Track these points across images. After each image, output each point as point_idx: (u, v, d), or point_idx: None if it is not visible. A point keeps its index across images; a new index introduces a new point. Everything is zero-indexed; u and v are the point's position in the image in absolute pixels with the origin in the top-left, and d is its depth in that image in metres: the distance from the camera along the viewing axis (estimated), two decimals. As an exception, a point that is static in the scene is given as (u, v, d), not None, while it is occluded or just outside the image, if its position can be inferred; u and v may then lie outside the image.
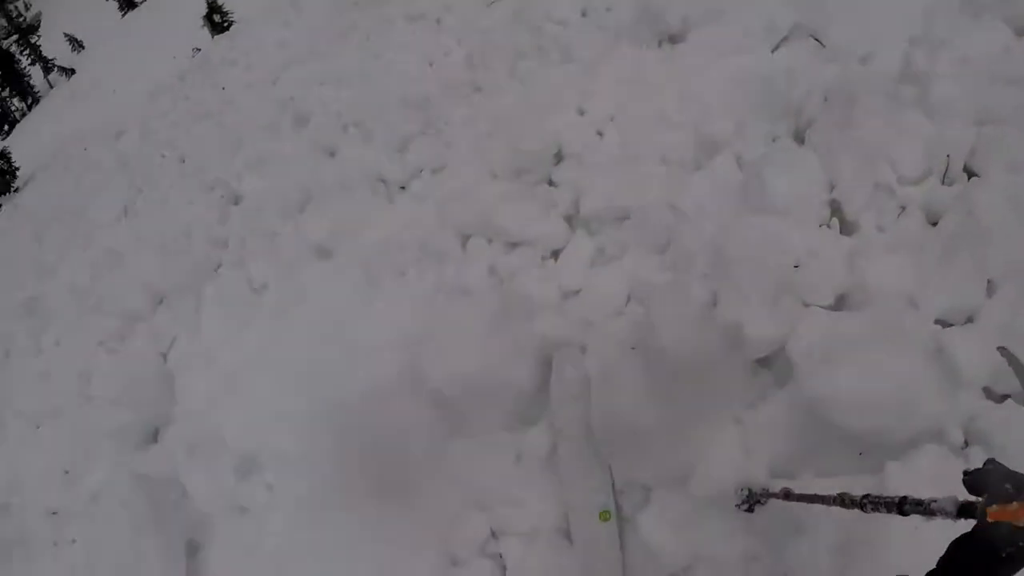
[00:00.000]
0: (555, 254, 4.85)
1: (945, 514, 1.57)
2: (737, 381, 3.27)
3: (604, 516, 3.60)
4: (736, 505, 3.07)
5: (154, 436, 6.55)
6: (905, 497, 1.75)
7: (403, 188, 6.80)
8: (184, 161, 12.20)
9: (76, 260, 12.13)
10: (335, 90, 9.81)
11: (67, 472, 7.50)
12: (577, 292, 4.44)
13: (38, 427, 9.03)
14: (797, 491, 2.63)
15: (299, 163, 8.31)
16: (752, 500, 3.00)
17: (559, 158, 5.42)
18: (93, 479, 6.70)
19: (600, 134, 5.34)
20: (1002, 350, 2.01)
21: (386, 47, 10.13)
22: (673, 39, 5.75)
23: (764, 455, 3.11)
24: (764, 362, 3.29)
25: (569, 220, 4.89)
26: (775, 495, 2.77)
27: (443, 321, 4.34)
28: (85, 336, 9.12)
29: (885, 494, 1.89)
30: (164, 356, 7.42)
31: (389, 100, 8.07)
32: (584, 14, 7.37)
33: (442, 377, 4.12)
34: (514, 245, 4.97)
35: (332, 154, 8.14)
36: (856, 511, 2.04)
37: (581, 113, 5.57)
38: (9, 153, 26.43)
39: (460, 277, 5.06)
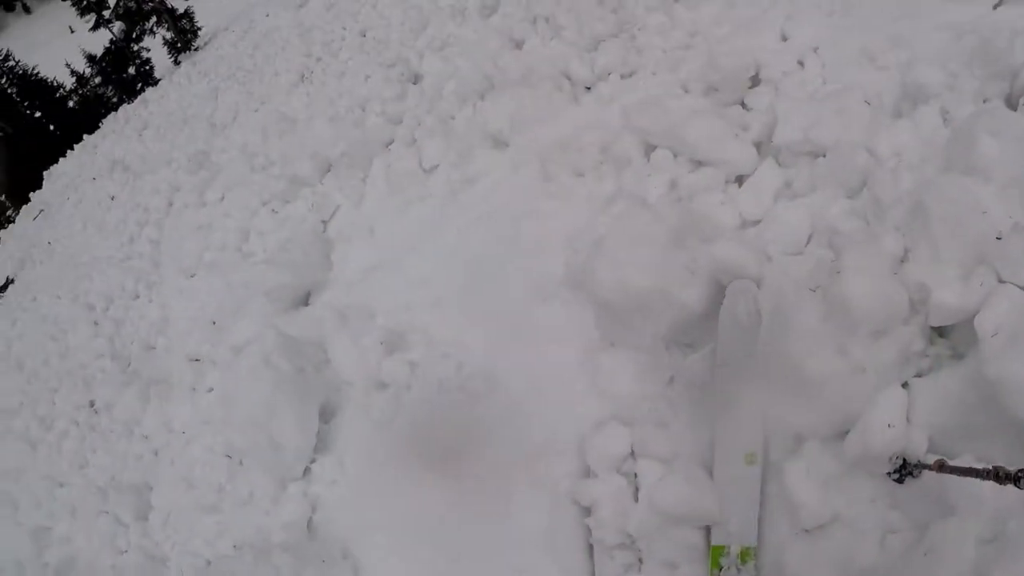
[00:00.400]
0: (739, 180, 4.71)
1: None
2: (914, 345, 3.14)
3: (749, 459, 3.52)
4: (887, 473, 3.02)
5: (305, 299, 6.84)
6: None
7: (588, 89, 6.65)
8: (365, 35, 12.41)
9: (249, 121, 12.76)
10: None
11: (214, 323, 8.02)
12: (757, 222, 4.35)
13: (192, 276, 9.71)
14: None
15: (483, 50, 8.25)
16: (904, 471, 2.95)
17: (755, 81, 5.23)
18: (239, 333, 7.08)
19: (801, 64, 5.10)
20: None
21: None
22: (890, -25, 5.32)
23: (926, 427, 3.00)
24: (944, 331, 3.16)
25: (759, 147, 4.72)
26: (928, 466, 2.75)
27: (618, 229, 4.21)
28: (249, 195, 9.61)
29: None
30: (325, 224, 7.71)
31: (583, -3, 7.83)
32: None
33: (610, 285, 4.06)
34: (699, 164, 4.85)
35: (518, 45, 8.03)
36: (1012, 491, 2.03)
37: (784, 39, 5.32)
38: (192, 12, 27.82)
39: (640, 187, 4.97)
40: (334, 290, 6.55)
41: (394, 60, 9.77)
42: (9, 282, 18.35)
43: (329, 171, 8.30)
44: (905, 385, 3.10)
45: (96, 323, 11.14)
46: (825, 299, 3.27)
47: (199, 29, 27.49)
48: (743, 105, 5.11)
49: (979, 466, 2.32)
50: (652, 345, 4.12)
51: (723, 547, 3.52)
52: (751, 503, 3.50)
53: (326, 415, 5.55)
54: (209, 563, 5.66)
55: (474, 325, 5.08)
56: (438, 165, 6.98)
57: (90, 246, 14.45)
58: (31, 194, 23.21)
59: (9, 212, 29.27)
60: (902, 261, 3.25)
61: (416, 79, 9.06)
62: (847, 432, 3.14)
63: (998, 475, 2.10)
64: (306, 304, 6.81)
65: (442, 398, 4.81)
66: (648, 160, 5.07)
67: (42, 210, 20.79)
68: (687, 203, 4.61)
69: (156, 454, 7.50)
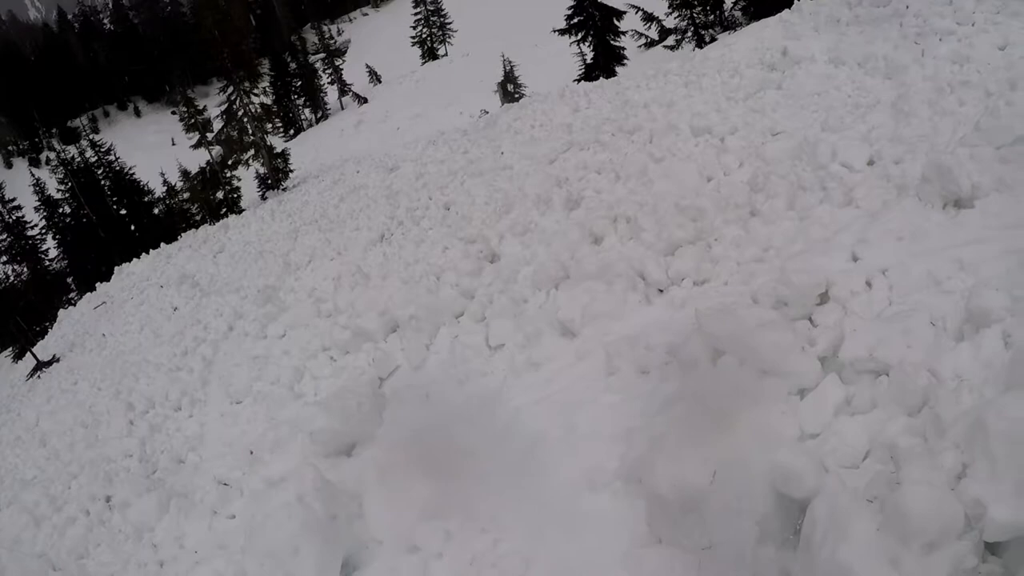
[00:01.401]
0: (801, 392, 4.77)
1: None
2: (967, 561, 3.13)
3: None
4: None
5: (349, 450, 6.99)
6: None
7: (661, 291, 7.00)
8: (448, 209, 13.16)
9: (323, 268, 13.42)
10: (611, 182, 10.30)
11: (251, 452, 8.17)
12: (816, 436, 4.40)
13: (238, 403, 9.96)
14: None
15: (563, 241, 8.72)
16: None
17: (824, 299, 5.42)
18: (276, 467, 7.22)
19: (869, 284, 5.28)
20: None
21: (668, 152, 10.48)
22: (959, 203, 5.67)
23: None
24: (998, 548, 3.18)
25: (823, 361, 4.81)
26: None
27: (680, 425, 4.38)
28: (311, 337, 10.03)
29: None
30: (381, 380, 7.96)
31: (664, 204, 8.32)
32: (871, 163, 7.36)
33: (667, 479, 4.15)
34: (764, 373, 4.98)
35: (597, 240, 8.48)
36: None
37: (854, 259, 5.57)
38: (288, 154, 29.71)
39: (702, 389, 5.03)
40: (379, 446, 6.71)
41: (475, 237, 10.31)
42: (55, 360, 18.85)
43: (395, 331, 8.68)
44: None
45: (132, 423, 11.35)
46: (882, 510, 3.30)
47: (291, 171, 29.22)
48: (811, 320, 5.25)
49: None
50: (700, 546, 4.14)
51: None
52: None
53: (348, 568, 5.59)
54: None
55: (517, 506, 5.13)
56: (504, 345, 7.26)
57: (143, 349, 14.91)
58: (98, 284, 24.19)
59: (72, 295, 30.37)
60: (959, 477, 3.29)
61: (494, 258, 9.54)
62: None
63: None
64: (349, 455, 6.97)
65: (472, 572, 4.87)
66: (714, 365, 5.25)
67: (104, 302, 21.60)
68: (749, 412, 4.63)
69: (161, 566, 7.46)
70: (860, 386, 4.49)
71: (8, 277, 33.97)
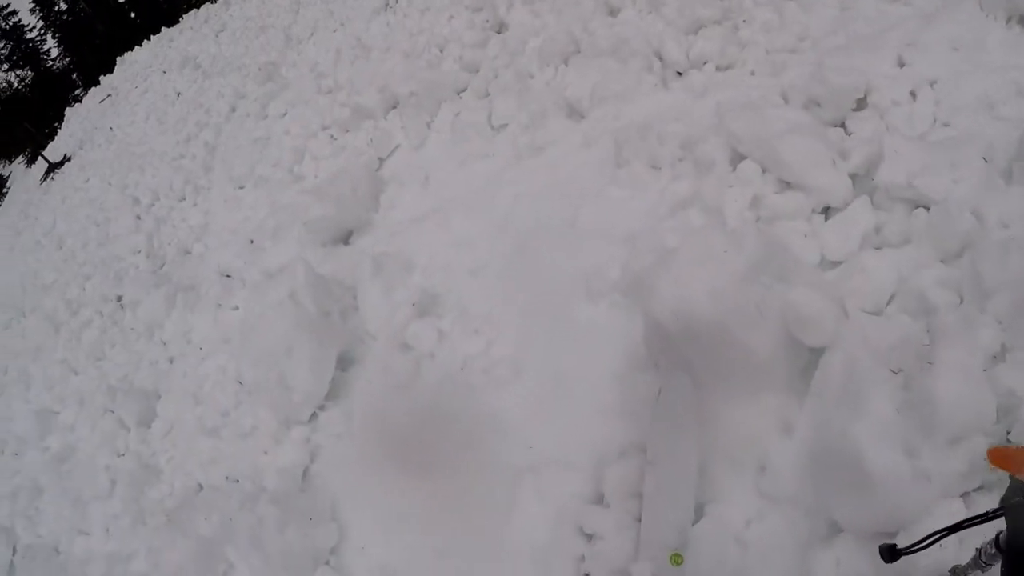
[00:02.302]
0: (826, 211, 4.24)
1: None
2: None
3: (675, 560, 3.28)
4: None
5: (346, 237, 6.60)
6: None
7: (680, 74, 6.16)
8: (456, -27, 11.93)
9: (324, 40, 12.46)
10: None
11: (252, 242, 7.84)
12: (837, 264, 3.92)
13: (241, 188, 9.53)
14: None
15: (576, 10, 7.74)
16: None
17: (861, 105, 4.68)
18: (273, 258, 6.89)
19: (914, 95, 4.53)
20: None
21: None
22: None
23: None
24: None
25: (854, 180, 4.21)
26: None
27: (690, 247, 3.76)
28: (312, 115, 9.38)
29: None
30: (381, 161, 7.41)
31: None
32: None
33: (670, 306, 3.59)
34: (787, 185, 4.36)
35: (613, 12, 7.51)
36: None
37: (900, 65, 4.75)
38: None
39: (718, 196, 4.51)
40: (376, 235, 6.28)
41: (481, 4, 9.30)
42: (66, 159, 18.51)
43: (395, 108, 7.98)
44: (965, 496, 2.75)
45: (139, 217, 11.11)
46: (906, 387, 2.89)
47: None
48: (844, 128, 4.64)
49: None
50: (699, 379, 3.68)
51: None
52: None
53: (344, 363, 5.32)
54: (200, 488, 5.52)
55: (512, 306, 4.75)
56: (507, 124, 6.61)
57: (148, 138, 14.44)
58: (101, 77, 23.33)
59: (78, 92, 29.60)
60: (995, 359, 2.89)
61: (501, 28, 8.59)
62: (891, 533, 2.78)
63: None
64: (346, 243, 6.55)
65: (463, 379, 4.54)
66: (733, 169, 4.60)
67: (110, 95, 20.89)
68: (768, 228, 4.15)
69: (171, 362, 7.41)
70: (893, 215, 3.93)
71: (12, 84, 33.07)
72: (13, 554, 6.80)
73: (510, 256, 5.13)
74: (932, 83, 4.46)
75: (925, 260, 3.62)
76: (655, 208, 4.80)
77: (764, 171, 4.44)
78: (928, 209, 3.75)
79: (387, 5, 12.38)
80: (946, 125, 4.24)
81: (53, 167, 18.53)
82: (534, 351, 4.47)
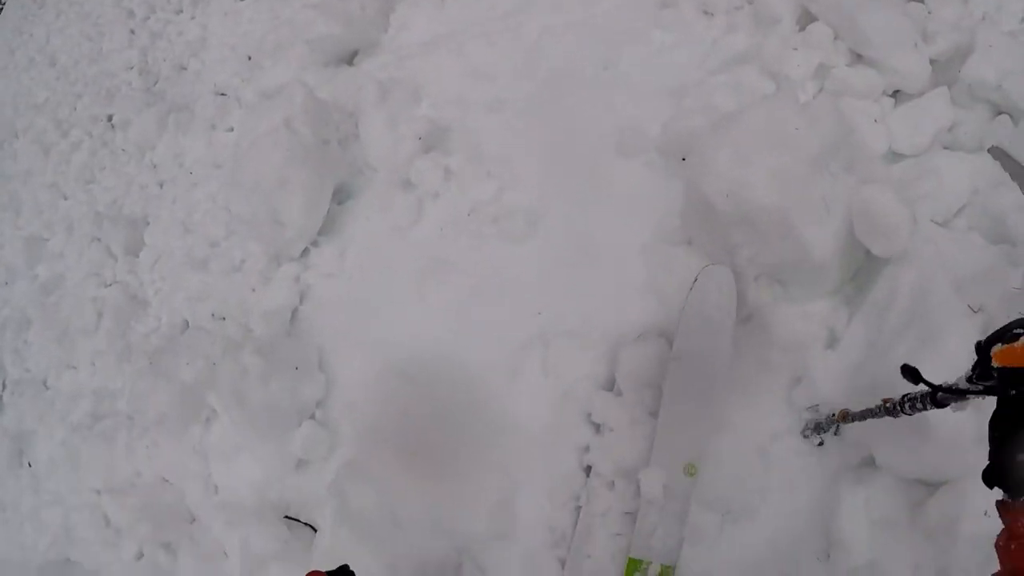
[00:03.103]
0: (897, 95, 3.71)
1: (968, 380, 1.60)
2: None
3: (689, 470, 3.05)
4: (802, 434, 2.97)
5: (350, 58, 5.94)
6: (938, 387, 1.74)
7: None
8: None
9: None
10: None
11: (250, 58, 7.23)
12: (903, 157, 3.46)
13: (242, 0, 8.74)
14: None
15: None
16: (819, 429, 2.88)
17: None
18: (272, 78, 6.27)
19: None
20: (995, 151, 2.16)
21: None
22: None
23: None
24: None
25: (934, 66, 3.63)
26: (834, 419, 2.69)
27: (757, 118, 3.11)
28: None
29: None
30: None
31: None
32: None
33: (722, 186, 3.07)
34: (859, 58, 3.79)
35: None
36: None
37: None
38: None
39: (780, 57, 3.91)
40: (384, 56, 5.58)
41: None
42: (62, -29, 17.43)
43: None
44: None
45: (133, 31, 10.32)
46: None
47: None
48: (923, 2, 3.96)
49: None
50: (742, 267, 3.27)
51: (641, 561, 3.01)
52: (679, 519, 3.02)
53: (341, 195, 4.85)
54: (187, 326, 5.19)
55: (531, 151, 4.21)
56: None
57: (148, -54, 13.37)
58: None
59: None
60: None
61: None
62: (936, 483, 2.53)
63: (887, 408, 2.13)
64: (350, 64, 5.90)
65: (470, 226, 4.05)
66: (800, 29, 3.99)
67: None
68: (837, 101, 3.52)
69: (161, 187, 6.94)
70: (973, 115, 3.43)
71: None
72: (3, 389, 6.61)
73: (533, 95, 4.53)
74: None
75: (1003, 178, 3.19)
76: (705, 60, 4.20)
77: (836, 38, 3.86)
78: (1012, 117, 3.30)
79: None
80: None
81: (50, -21, 17.44)
82: (552, 204, 3.97)
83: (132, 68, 9.40)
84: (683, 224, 3.54)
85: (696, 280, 3.17)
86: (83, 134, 8.93)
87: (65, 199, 8.22)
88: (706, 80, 4.09)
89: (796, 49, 3.92)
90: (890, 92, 3.71)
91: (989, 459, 1.43)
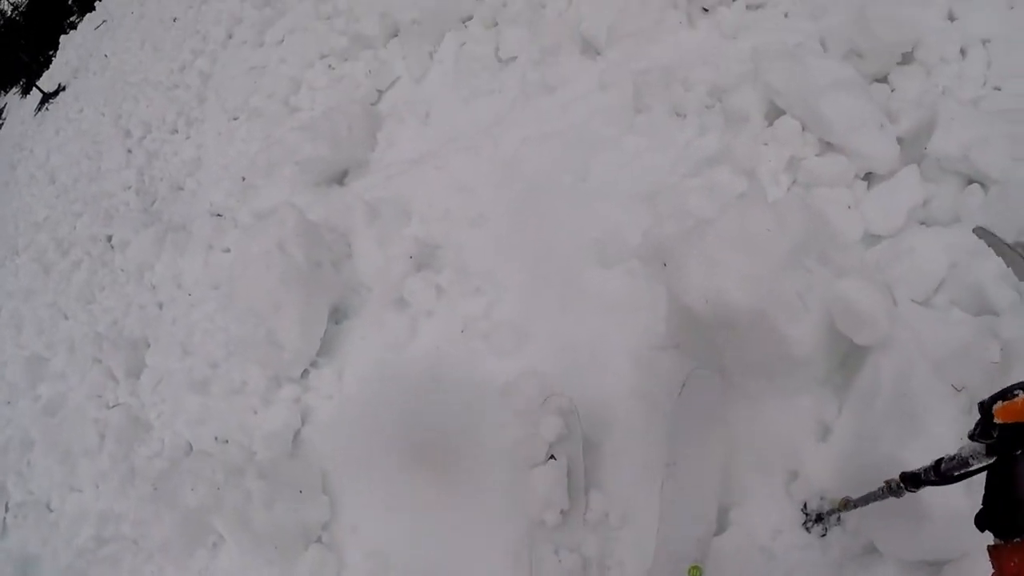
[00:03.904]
0: (868, 178, 3.79)
1: (972, 444, 1.63)
2: None
3: (694, 573, 2.99)
4: (804, 526, 2.94)
5: (340, 177, 6.12)
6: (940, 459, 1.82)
7: (706, 11, 5.53)
8: None
9: (323, -38, 11.71)
10: None
11: (244, 179, 7.41)
12: (879, 239, 3.51)
13: (235, 119, 9.01)
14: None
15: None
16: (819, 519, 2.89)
17: (907, 59, 4.17)
18: (266, 199, 6.46)
19: (963, 53, 4.05)
20: (979, 231, 2.23)
21: None
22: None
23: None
24: None
25: (901, 144, 3.73)
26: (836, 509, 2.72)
27: (728, 224, 3.19)
28: (309, 43, 8.72)
29: None
30: (380, 94, 6.88)
31: None
32: None
33: (700, 289, 3.12)
34: (828, 146, 3.89)
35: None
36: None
37: (950, 19, 4.24)
38: None
39: (751, 154, 4.02)
40: (372, 176, 5.78)
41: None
42: (61, 89, 17.91)
43: (396, 36, 7.38)
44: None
45: (130, 151, 10.62)
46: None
47: None
48: (888, 82, 4.14)
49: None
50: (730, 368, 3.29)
51: None
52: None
53: (338, 315, 4.94)
54: (190, 448, 5.22)
55: (516, 264, 4.32)
56: (516, 58, 6.02)
57: (143, 66, 13.75)
58: (96, 3, 22.45)
59: (74, 18, 28.59)
60: None
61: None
62: (940, 563, 2.53)
63: (890, 488, 2.13)
64: (340, 183, 6.08)
65: (464, 343, 4.14)
66: (769, 124, 4.08)
67: (105, 20, 20.05)
68: (807, 196, 3.77)
69: (160, 307, 7.04)
70: (944, 188, 3.49)
71: (5, 12, 31.74)
72: (6, 511, 6.58)
73: (515, 206, 4.68)
74: (984, 41, 4.04)
75: (980, 247, 3.25)
76: (678, 163, 4.32)
77: (804, 129, 3.96)
78: (983, 185, 3.36)
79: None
80: (997, 89, 3.87)
81: (48, 97, 17.90)
82: (540, 318, 4.04)
83: (130, 188, 9.61)
84: (668, 329, 3.57)
85: (684, 385, 3.20)
86: (83, 253, 9.09)
87: (66, 318, 8.32)
88: (680, 184, 4.19)
89: (767, 144, 4.01)
90: (862, 175, 3.78)
91: (983, 504, 1.48)
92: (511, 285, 4.30)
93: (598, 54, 5.57)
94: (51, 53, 24.58)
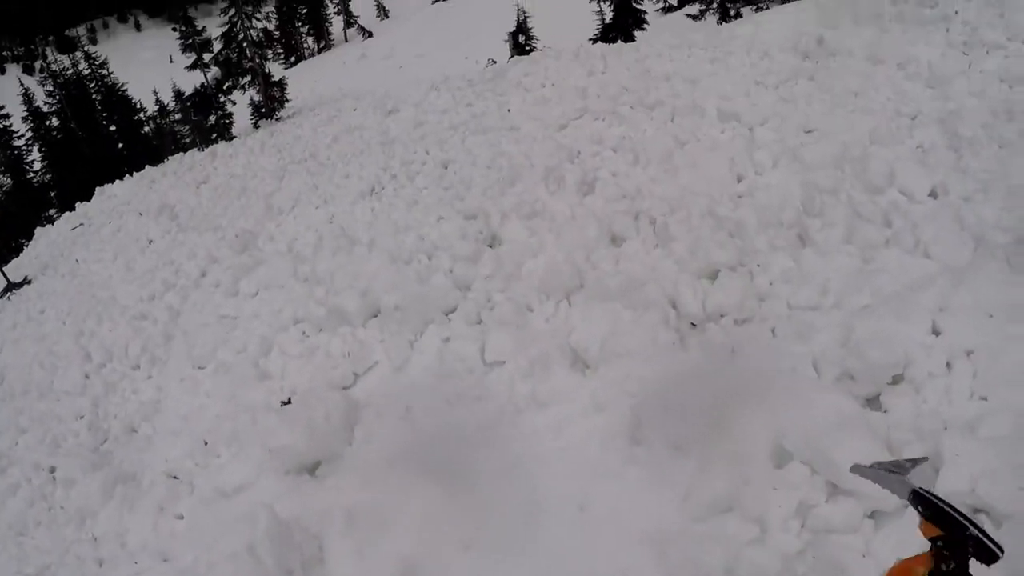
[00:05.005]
0: (875, 514, 3.82)
1: None
2: None
3: None
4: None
5: (313, 469, 5.81)
6: None
7: (694, 326, 5.74)
8: (447, 168, 11.69)
9: (306, 216, 11.99)
10: (629, 164, 8.95)
11: (206, 444, 7.02)
12: None
13: (200, 368, 8.71)
14: None
15: (578, 236, 7.34)
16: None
17: (897, 379, 4.35)
18: (229, 475, 6.09)
19: (949, 367, 4.25)
20: (855, 468, 2.22)
21: (692, 135, 8.96)
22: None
23: None
24: None
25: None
26: None
27: None
28: (285, 303, 8.72)
29: None
30: (356, 377, 6.81)
31: (695, 206, 7.10)
32: (934, 195, 6.18)
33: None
34: (835, 488, 3.91)
35: (617, 242, 7.28)
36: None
37: (935, 333, 4.49)
38: (286, 83, 27.67)
39: (760, 498, 4.01)
40: (348, 476, 5.47)
41: (474, 211, 8.83)
42: (26, 281, 17.47)
43: (376, 317, 7.41)
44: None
45: (87, 376, 10.08)
46: None
47: (288, 100, 27.39)
48: (880, 403, 4.28)
49: None
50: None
51: None
52: None
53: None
54: None
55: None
56: (504, 363, 6.00)
57: (112, 283, 13.52)
58: (78, 203, 22.59)
59: (52, 212, 28.64)
60: None
61: (494, 242, 8.18)
62: None
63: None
64: (312, 474, 5.79)
65: None
66: (777, 466, 4.09)
67: (82, 223, 20.10)
68: (818, 543, 3.74)
69: (100, 565, 6.35)
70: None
71: None
72: None
73: (509, 534, 4.43)
74: (968, 353, 4.25)
75: None
76: (684, 504, 4.22)
77: (813, 472, 3.96)
78: (989, 515, 3.41)
79: (373, 190, 12.14)
80: (983, 399, 4.02)
81: (12, 286, 17.39)
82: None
83: (82, 418, 8.98)
84: None
85: None
86: (22, 477, 8.27)
87: (-6, 551, 7.48)
88: (689, 529, 4.06)
89: (776, 489, 3.96)
90: (868, 513, 3.76)
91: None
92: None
93: (587, 367, 5.63)
94: (24, 242, 24.27)
